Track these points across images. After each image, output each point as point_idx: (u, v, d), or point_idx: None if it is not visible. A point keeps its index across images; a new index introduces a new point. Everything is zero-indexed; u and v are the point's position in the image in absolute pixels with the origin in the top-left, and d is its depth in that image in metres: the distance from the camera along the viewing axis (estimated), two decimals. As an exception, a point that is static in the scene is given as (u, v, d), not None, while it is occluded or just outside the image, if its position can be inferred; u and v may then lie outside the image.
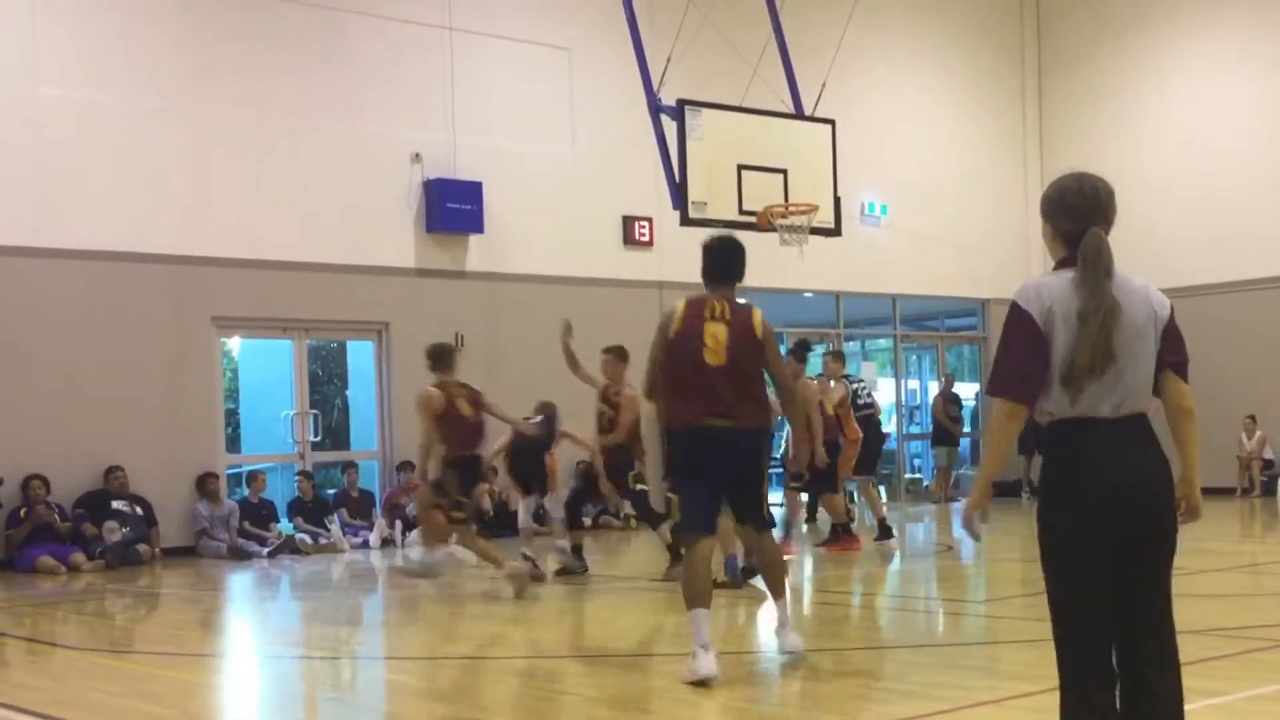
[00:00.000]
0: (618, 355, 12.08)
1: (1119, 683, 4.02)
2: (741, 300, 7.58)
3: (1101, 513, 3.90)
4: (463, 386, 11.42)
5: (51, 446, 14.97)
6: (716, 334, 7.26)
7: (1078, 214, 4.07)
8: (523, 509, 12.96)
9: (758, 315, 7.48)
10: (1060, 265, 4.08)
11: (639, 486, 12.36)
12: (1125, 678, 4.02)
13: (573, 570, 12.35)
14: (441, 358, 11.63)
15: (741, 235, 16.35)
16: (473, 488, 11.65)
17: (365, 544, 16.31)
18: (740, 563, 10.64)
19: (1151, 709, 4.00)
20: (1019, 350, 3.92)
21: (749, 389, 7.34)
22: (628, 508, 13.85)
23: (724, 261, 7.55)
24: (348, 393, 20.21)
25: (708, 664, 6.81)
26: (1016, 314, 3.95)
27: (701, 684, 6.75)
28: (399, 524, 16.57)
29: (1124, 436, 3.93)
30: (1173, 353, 4.10)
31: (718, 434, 7.19)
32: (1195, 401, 4.20)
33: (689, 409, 7.23)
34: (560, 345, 11.30)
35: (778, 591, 7.68)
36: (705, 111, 14.65)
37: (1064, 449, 3.93)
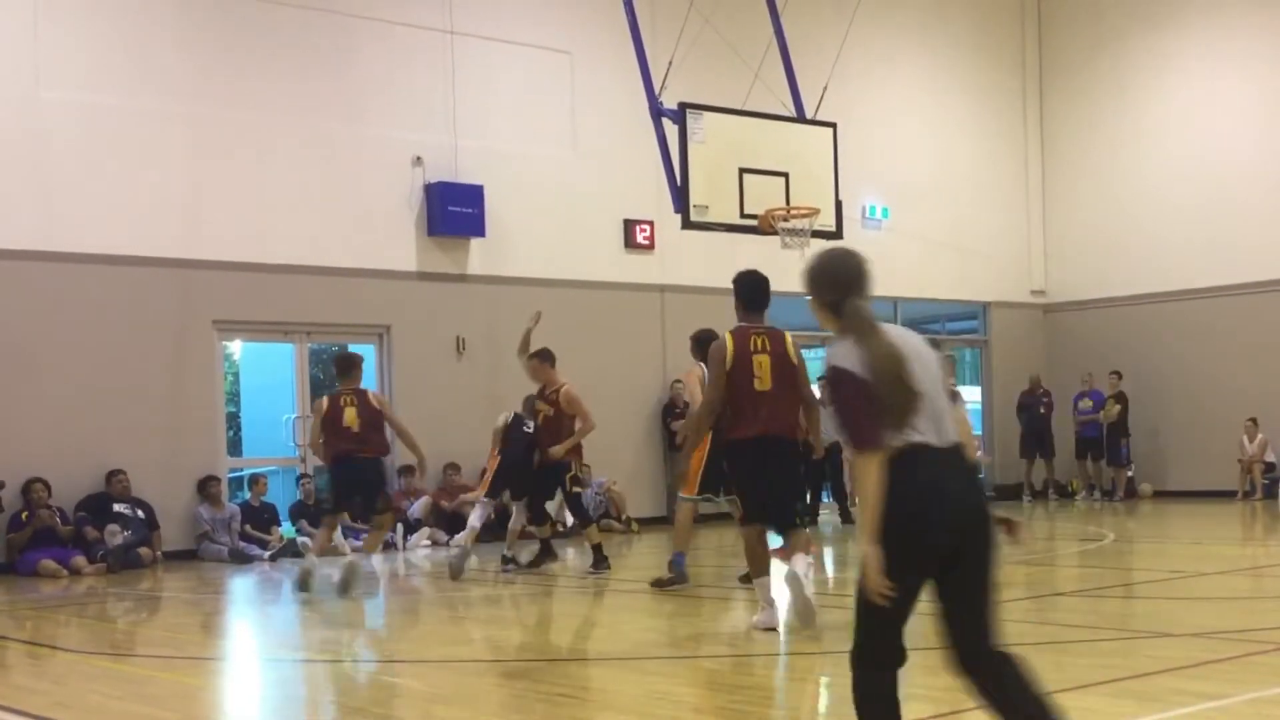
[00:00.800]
0: (542, 357, 12.97)
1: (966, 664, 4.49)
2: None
3: (939, 528, 4.27)
4: (357, 394, 11.98)
5: (53, 449, 14.97)
6: (761, 363, 8.89)
7: (839, 286, 4.52)
8: (516, 512, 13.48)
9: (789, 341, 9.10)
10: (840, 333, 4.44)
11: (575, 489, 13.25)
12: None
13: (543, 563, 13.35)
14: (341, 367, 12.32)
15: (743, 238, 16.46)
16: (354, 488, 12.12)
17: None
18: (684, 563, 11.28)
19: (1004, 676, 4.42)
20: (859, 406, 4.25)
21: (789, 405, 9.03)
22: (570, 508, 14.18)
23: (757, 294, 9.28)
24: (349, 396, 20.19)
25: (774, 617, 8.78)
26: (843, 375, 4.30)
27: (770, 630, 8.53)
28: (400, 526, 16.56)
29: (953, 461, 4.32)
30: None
31: (768, 443, 8.77)
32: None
33: (747, 427, 8.79)
34: (523, 330, 12.01)
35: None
36: (706, 114, 14.65)
37: (905, 475, 4.24)
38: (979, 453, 5.90)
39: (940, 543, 4.27)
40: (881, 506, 4.20)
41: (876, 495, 4.20)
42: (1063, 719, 4.34)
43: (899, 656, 4.51)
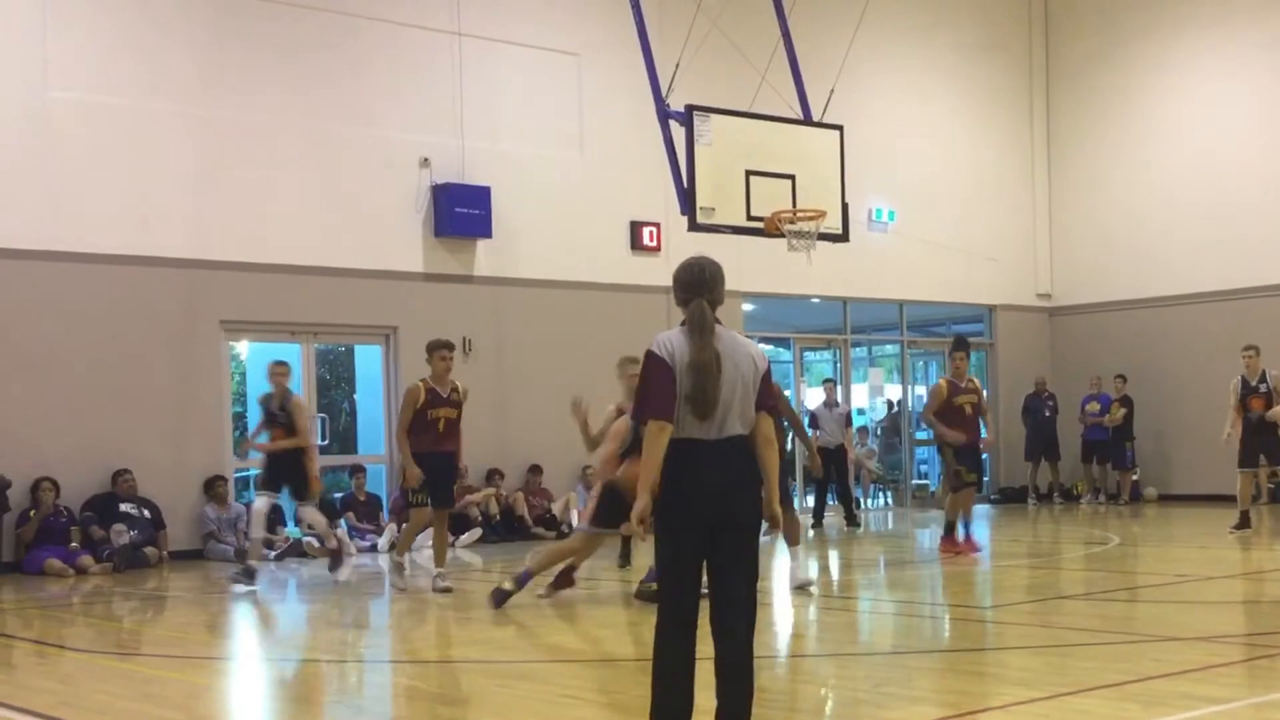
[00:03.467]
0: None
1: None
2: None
3: (701, 506, 5.23)
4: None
5: (60, 449, 15.00)
6: None
7: (690, 288, 5.39)
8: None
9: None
10: (682, 324, 5.40)
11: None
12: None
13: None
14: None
15: (749, 241, 16.47)
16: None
17: (373, 548, 16.34)
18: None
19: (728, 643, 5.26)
20: (659, 384, 5.23)
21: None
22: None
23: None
24: (355, 396, 20.20)
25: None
26: (654, 359, 5.27)
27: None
28: (403, 528, 16.57)
29: (722, 453, 5.25)
30: (768, 396, 5.41)
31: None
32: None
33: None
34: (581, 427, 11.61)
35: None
36: (714, 117, 14.65)
37: (679, 461, 5.20)
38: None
39: (696, 517, 5.22)
40: (657, 471, 5.15)
41: (655, 458, 5.15)
42: None
43: (685, 612, 5.28)
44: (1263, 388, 15.48)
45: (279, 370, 13.27)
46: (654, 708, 5.26)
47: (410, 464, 11.81)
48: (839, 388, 20.99)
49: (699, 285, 5.39)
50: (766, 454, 5.41)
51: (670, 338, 5.32)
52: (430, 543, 12.70)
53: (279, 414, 12.97)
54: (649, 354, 5.30)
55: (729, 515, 5.24)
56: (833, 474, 18.45)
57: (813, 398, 21.72)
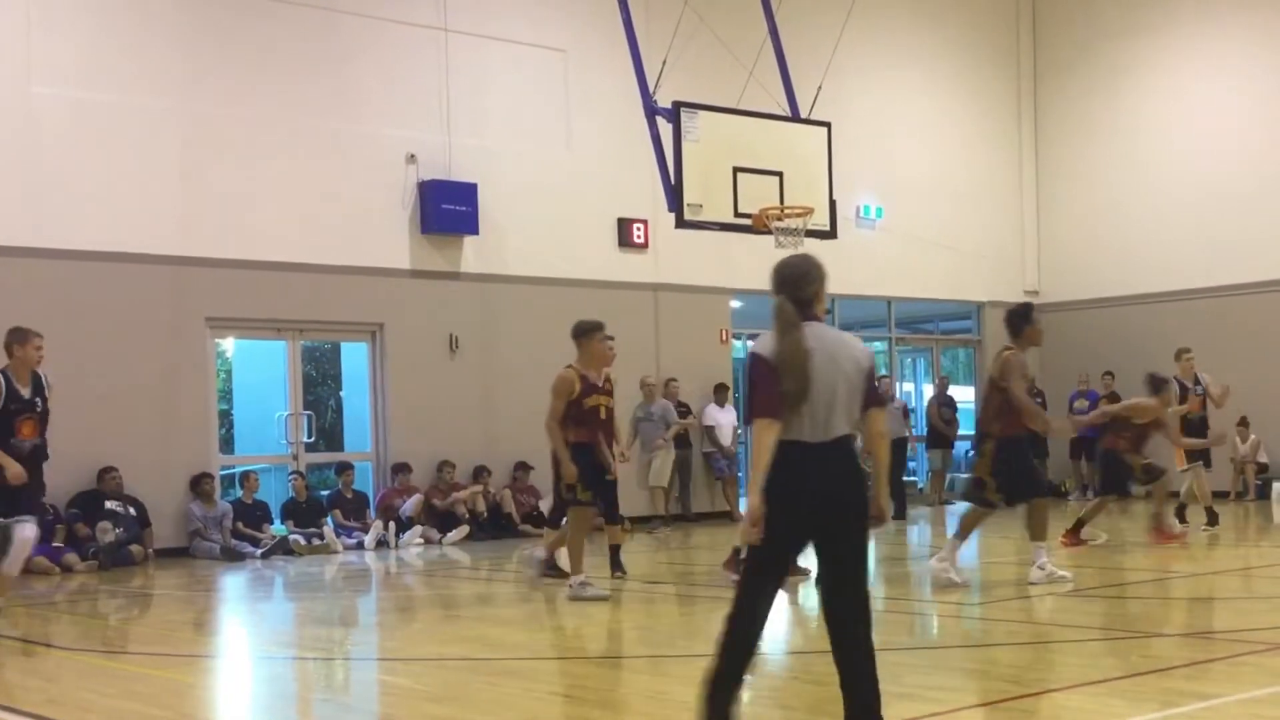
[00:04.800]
0: None
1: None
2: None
3: (805, 510, 5.22)
4: None
5: (45, 446, 14.92)
6: None
7: (776, 287, 5.47)
8: None
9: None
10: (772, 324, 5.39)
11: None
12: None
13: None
14: None
15: (737, 238, 16.47)
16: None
17: (359, 545, 16.30)
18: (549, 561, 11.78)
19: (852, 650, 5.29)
20: (762, 383, 5.24)
21: None
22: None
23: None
24: (342, 394, 20.17)
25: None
26: (757, 358, 5.31)
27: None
28: (393, 525, 16.56)
29: (827, 456, 5.24)
30: (875, 393, 5.45)
31: None
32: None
33: None
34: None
35: None
36: (701, 113, 14.63)
37: (782, 463, 5.17)
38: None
39: (799, 522, 5.23)
40: (767, 469, 5.12)
41: (762, 457, 5.13)
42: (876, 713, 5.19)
43: (772, 589, 5.36)
44: (1198, 389, 15.81)
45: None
46: (723, 647, 5.26)
47: (566, 458, 10.86)
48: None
49: (780, 283, 5.48)
50: (877, 448, 5.50)
51: (767, 337, 5.38)
52: (418, 539, 12.63)
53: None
54: (751, 354, 5.37)
55: (834, 521, 5.25)
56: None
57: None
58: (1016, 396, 10.70)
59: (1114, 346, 22.67)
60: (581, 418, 10.99)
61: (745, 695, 6.96)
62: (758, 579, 5.34)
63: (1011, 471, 10.78)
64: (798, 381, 5.18)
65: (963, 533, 11.10)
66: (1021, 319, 11.09)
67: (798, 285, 5.46)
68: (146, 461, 15.53)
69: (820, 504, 5.22)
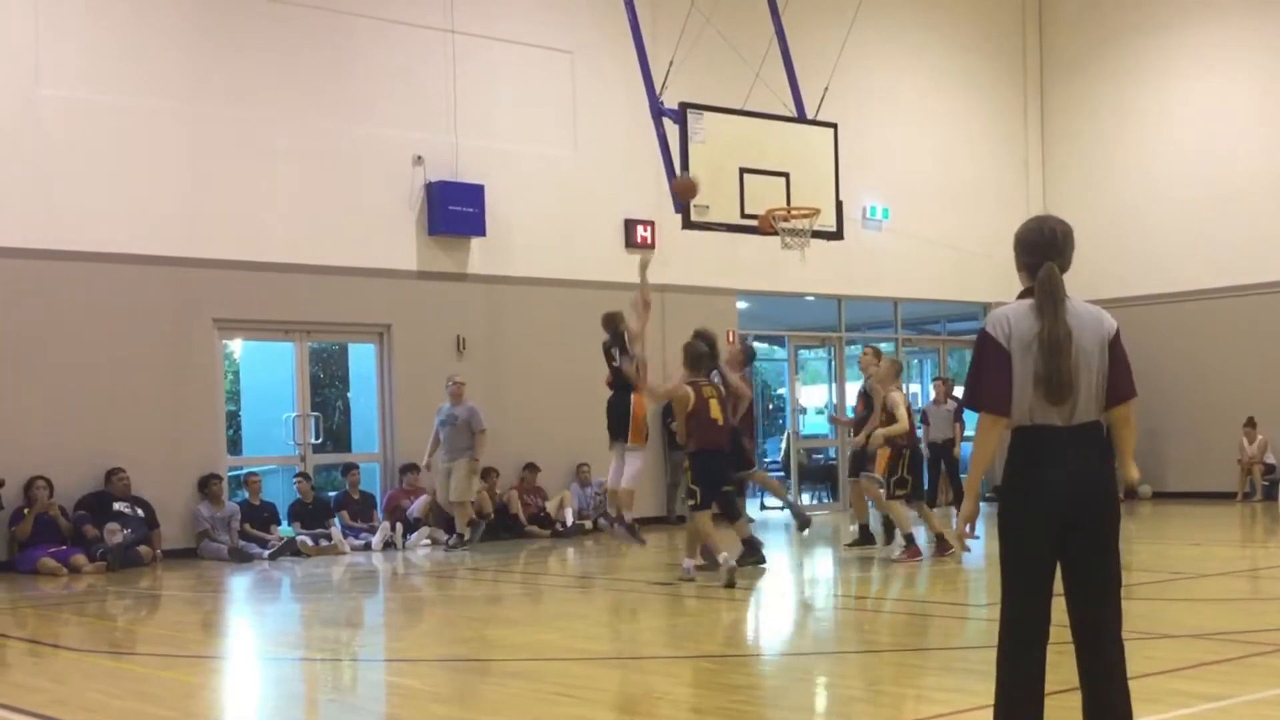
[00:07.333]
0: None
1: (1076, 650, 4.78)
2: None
3: (1051, 503, 4.57)
4: (715, 387, 12.46)
5: (53, 448, 14.96)
6: None
7: (1036, 251, 4.65)
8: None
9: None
10: (1022, 294, 4.69)
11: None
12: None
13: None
14: (695, 358, 12.45)
15: (743, 239, 16.46)
16: (722, 480, 12.37)
17: (367, 546, 16.31)
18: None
19: (1097, 671, 4.78)
20: (990, 370, 4.57)
21: None
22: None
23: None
24: (349, 395, 20.20)
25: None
26: (987, 339, 4.61)
27: None
28: (399, 526, 16.57)
29: (1075, 442, 4.58)
30: (1128, 379, 4.74)
31: None
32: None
33: None
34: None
35: None
36: (707, 114, 14.65)
37: (1025, 452, 4.59)
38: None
39: (1045, 516, 4.57)
40: (985, 469, 4.62)
41: (982, 455, 4.60)
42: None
43: (1038, 632, 4.73)
44: None
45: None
46: None
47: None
48: (831, 387, 20.97)
49: (1047, 247, 4.65)
50: (1122, 432, 4.79)
51: (1008, 313, 4.61)
52: (425, 539, 12.70)
53: None
54: (982, 333, 4.64)
55: (1084, 515, 4.61)
56: (941, 466, 18.97)
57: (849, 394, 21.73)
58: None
59: (1121, 347, 22.63)
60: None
61: (745, 697, 6.96)
62: (1017, 616, 4.74)
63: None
64: (1063, 369, 4.50)
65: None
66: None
67: (1064, 251, 4.67)
68: (154, 463, 15.56)
69: (1067, 496, 4.57)
